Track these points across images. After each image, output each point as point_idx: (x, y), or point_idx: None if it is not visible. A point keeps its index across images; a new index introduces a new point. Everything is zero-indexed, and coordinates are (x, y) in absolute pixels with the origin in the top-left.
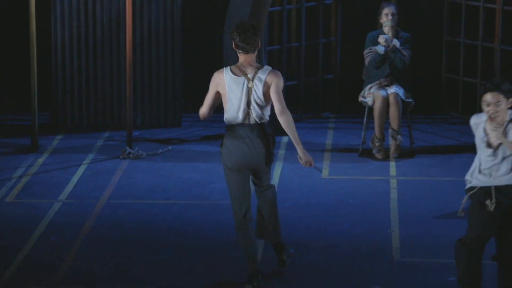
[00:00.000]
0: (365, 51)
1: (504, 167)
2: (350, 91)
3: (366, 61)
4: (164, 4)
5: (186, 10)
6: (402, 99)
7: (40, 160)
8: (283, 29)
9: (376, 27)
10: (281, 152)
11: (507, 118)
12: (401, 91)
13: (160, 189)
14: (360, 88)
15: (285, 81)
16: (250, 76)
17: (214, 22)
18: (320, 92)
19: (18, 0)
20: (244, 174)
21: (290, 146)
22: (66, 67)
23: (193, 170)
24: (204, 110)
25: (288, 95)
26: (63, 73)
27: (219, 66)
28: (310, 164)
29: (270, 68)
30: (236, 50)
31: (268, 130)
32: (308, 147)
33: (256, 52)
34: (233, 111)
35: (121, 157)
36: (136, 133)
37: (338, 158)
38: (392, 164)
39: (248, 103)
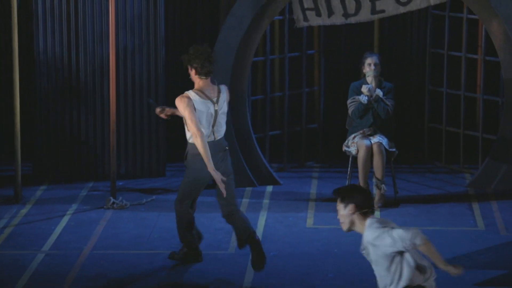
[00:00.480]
0: (348, 101)
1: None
2: (333, 140)
3: (350, 110)
4: (148, 55)
5: (169, 60)
6: (385, 149)
7: (23, 211)
8: (266, 78)
9: (359, 77)
10: (265, 201)
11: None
12: (384, 141)
13: (144, 239)
14: (343, 138)
15: (269, 130)
16: (214, 100)
17: None
18: (304, 142)
19: (1, 49)
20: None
21: (274, 196)
22: (50, 117)
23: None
24: (200, 128)
25: (272, 144)
26: (46, 123)
27: None
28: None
29: (223, 85)
30: (198, 76)
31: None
32: (292, 196)
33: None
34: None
35: (105, 207)
36: (120, 183)
37: (323, 207)
38: (377, 213)
39: (214, 124)
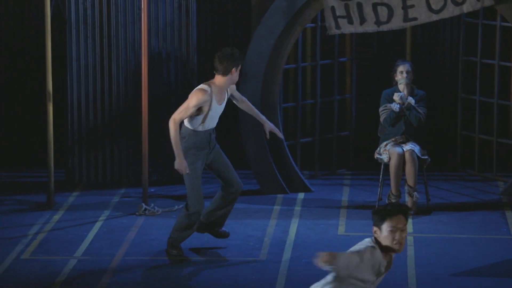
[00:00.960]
0: (380, 109)
1: None
2: (365, 148)
3: (381, 118)
4: (181, 62)
5: (201, 68)
6: (418, 156)
7: (56, 217)
8: (298, 86)
9: (391, 84)
10: (297, 208)
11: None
12: (417, 148)
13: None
14: (375, 145)
15: (300, 138)
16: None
17: None
18: (336, 149)
19: (35, 56)
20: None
21: (306, 203)
22: (82, 124)
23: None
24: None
25: (304, 152)
26: (79, 130)
27: (236, 122)
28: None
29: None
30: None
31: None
32: (324, 203)
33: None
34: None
35: (137, 213)
36: (152, 190)
37: (354, 215)
38: (409, 221)
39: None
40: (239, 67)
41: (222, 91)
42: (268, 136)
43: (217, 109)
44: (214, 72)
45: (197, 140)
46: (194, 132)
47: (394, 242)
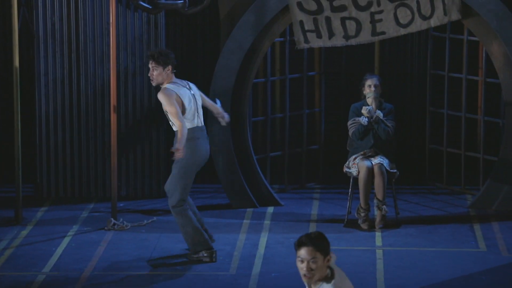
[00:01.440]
0: (349, 122)
1: None
2: (334, 161)
3: (350, 132)
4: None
5: None
6: (386, 170)
7: (24, 232)
8: (267, 100)
9: (360, 98)
10: (267, 222)
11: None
12: (385, 162)
13: (145, 260)
14: (344, 159)
15: (270, 151)
16: (188, 86)
17: None
18: (305, 163)
19: (2, 71)
20: None
21: (275, 217)
22: (51, 139)
23: (178, 240)
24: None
25: (273, 165)
26: (47, 145)
27: None
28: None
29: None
30: (172, 72)
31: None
32: (294, 217)
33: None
34: (191, 116)
35: (106, 228)
36: (121, 204)
37: (324, 228)
38: (378, 234)
39: (197, 108)
40: (164, 69)
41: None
42: (226, 121)
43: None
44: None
45: (202, 141)
46: (195, 128)
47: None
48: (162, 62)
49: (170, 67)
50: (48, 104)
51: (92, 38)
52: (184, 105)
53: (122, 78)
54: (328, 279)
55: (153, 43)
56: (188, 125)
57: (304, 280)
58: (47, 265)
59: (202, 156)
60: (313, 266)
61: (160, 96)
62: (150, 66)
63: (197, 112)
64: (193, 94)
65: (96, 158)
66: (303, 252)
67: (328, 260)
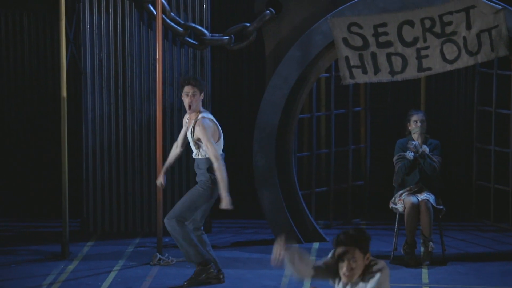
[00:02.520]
0: (395, 158)
1: None
2: (380, 197)
3: (396, 167)
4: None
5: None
6: (433, 206)
7: (71, 267)
8: (312, 135)
9: (406, 134)
10: (312, 258)
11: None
12: (431, 198)
13: None
14: (390, 195)
15: (315, 187)
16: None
17: (243, 129)
18: (350, 199)
19: (51, 106)
20: None
21: (320, 253)
22: (97, 174)
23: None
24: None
25: (318, 201)
26: (93, 180)
27: (250, 171)
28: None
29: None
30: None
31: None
32: None
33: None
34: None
35: (151, 263)
36: (167, 240)
37: None
38: (424, 271)
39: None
40: (201, 94)
41: (193, 114)
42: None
43: (187, 134)
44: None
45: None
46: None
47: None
48: (201, 87)
49: (203, 94)
50: (94, 139)
51: (138, 73)
52: (219, 134)
53: (168, 114)
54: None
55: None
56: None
57: (344, 279)
58: None
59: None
60: (353, 265)
61: (204, 126)
62: (187, 92)
63: None
64: None
65: (142, 193)
66: (340, 250)
67: (368, 259)
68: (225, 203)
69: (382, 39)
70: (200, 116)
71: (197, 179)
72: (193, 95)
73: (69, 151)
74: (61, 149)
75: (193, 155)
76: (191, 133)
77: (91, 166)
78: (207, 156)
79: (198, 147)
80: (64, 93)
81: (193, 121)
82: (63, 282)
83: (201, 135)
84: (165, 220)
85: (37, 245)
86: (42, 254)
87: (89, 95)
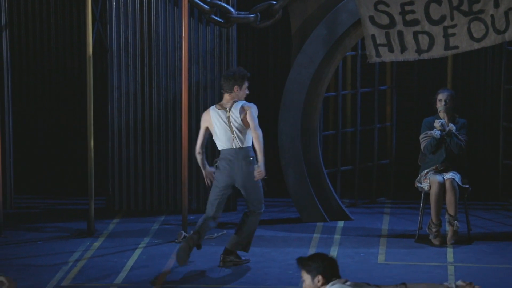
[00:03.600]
0: (421, 136)
1: None
2: (406, 176)
3: (422, 146)
4: (220, 90)
5: None
6: (459, 185)
7: (96, 244)
8: (338, 114)
9: (432, 113)
10: (337, 237)
11: None
12: (457, 177)
13: (215, 273)
14: (416, 174)
15: (340, 166)
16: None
17: (269, 108)
18: (376, 177)
19: (77, 84)
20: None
21: (345, 231)
22: (123, 152)
23: (247, 254)
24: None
25: (343, 180)
26: (119, 158)
27: (276, 150)
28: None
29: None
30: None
31: (251, 153)
32: (364, 232)
33: (232, 93)
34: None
35: (176, 241)
36: (192, 217)
37: (395, 243)
38: (450, 250)
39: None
40: (244, 86)
41: (228, 110)
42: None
43: (218, 128)
44: (221, 91)
45: (220, 157)
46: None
47: None
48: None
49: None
50: (120, 117)
51: (164, 52)
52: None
53: (193, 92)
54: None
55: (225, 57)
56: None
57: None
58: (118, 277)
59: None
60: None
61: (254, 110)
62: (246, 84)
63: None
64: None
65: (167, 171)
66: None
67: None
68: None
69: (409, 17)
70: (243, 103)
71: (249, 168)
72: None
73: (95, 129)
74: (87, 127)
75: (238, 145)
76: (240, 121)
77: (117, 144)
78: (252, 142)
79: (245, 134)
80: (90, 71)
81: (237, 109)
82: (89, 259)
83: (253, 117)
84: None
85: (64, 222)
86: (68, 231)
87: (115, 73)
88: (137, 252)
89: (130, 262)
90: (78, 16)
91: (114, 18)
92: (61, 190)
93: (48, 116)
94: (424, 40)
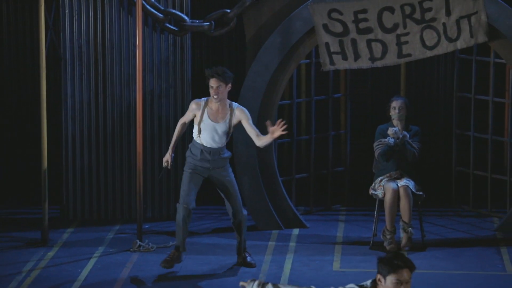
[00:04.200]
0: (375, 144)
1: None
2: (360, 183)
3: (376, 153)
4: (175, 98)
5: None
6: (412, 192)
7: (50, 254)
8: (293, 122)
9: (386, 120)
10: (292, 244)
11: None
12: (411, 184)
13: (170, 282)
14: (370, 181)
15: (295, 173)
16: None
17: None
18: (330, 185)
19: (30, 93)
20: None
21: (301, 239)
22: (77, 161)
23: (203, 262)
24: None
25: (298, 187)
26: (73, 167)
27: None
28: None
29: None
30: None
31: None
32: (319, 239)
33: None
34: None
35: (131, 250)
36: (146, 226)
37: (349, 250)
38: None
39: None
40: (226, 86)
41: (218, 108)
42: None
43: (211, 125)
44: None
45: (194, 150)
46: (194, 141)
47: None
48: (225, 79)
49: (230, 86)
50: (74, 126)
51: (118, 60)
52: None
53: (148, 100)
54: None
55: (179, 65)
56: None
57: None
58: (73, 287)
59: None
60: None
61: (246, 111)
62: (212, 85)
63: None
64: None
65: (121, 180)
66: (405, 274)
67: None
68: (276, 130)
69: (362, 25)
70: (234, 105)
71: (220, 164)
72: (218, 88)
73: (48, 138)
74: (41, 136)
75: (217, 145)
76: (228, 124)
77: (71, 152)
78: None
79: (228, 137)
80: (43, 79)
81: (227, 113)
82: (43, 268)
83: (248, 117)
84: (243, 218)
85: (17, 231)
86: (21, 241)
87: (69, 82)
88: (92, 261)
89: (85, 272)
90: (31, 23)
91: (67, 26)
92: (15, 199)
93: (2, 125)
94: (377, 48)
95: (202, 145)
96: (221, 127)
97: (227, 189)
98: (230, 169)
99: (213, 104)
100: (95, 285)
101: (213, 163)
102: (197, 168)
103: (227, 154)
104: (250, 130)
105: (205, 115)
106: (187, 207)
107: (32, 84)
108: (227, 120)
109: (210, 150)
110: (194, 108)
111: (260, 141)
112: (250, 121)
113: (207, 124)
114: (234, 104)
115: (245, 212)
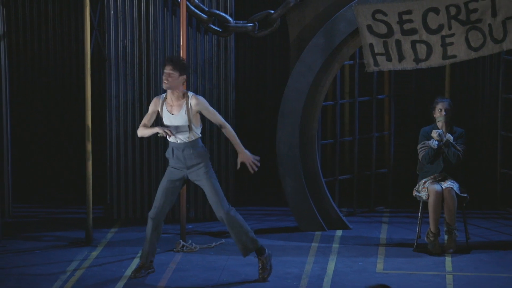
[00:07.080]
0: (419, 146)
1: None
2: (404, 185)
3: (420, 155)
4: (218, 99)
5: (239, 104)
6: (457, 194)
7: (94, 254)
8: (336, 123)
9: (430, 122)
10: (335, 246)
11: None
12: (455, 186)
13: (213, 282)
14: (414, 183)
15: (338, 174)
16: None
17: (267, 116)
18: (374, 186)
19: (75, 93)
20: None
21: (344, 240)
22: (121, 160)
23: (246, 263)
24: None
25: (341, 189)
26: (117, 166)
27: (274, 159)
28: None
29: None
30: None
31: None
32: (362, 241)
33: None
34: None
35: (174, 250)
36: (190, 226)
37: (393, 252)
38: (448, 259)
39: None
40: (180, 76)
41: (174, 99)
42: (238, 167)
43: (171, 118)
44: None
45: (168, 151)
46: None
47: None
48: (180, 68)
49: (185, 77)
50: (119, 126)
51: (162, 61)
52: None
53: None
54: None
55: (223, 66)
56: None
57: None
58: (116, 286)
59: None
60: None
61: (201, 99)
62: (166, 69)
63: None
64: None
65: None
66: None
67: None
68: (246, 156)
69: (406, 26)
70: (190, 94)
71: (194, 161)
72: (169, 74)
73: (93, 138)
74: (85, 136)
75: (184, 139)
76: (185, 114)
77: (115, 152)
78: (199, 134)
79: (190, 129)
80: (88, 80)
81: (183, 103)
82: (86, 268)
83: (205, 105)
84: (225, 216)
85: (62, 231)
86: (66, 240)
87: (113, 82)
88: (135, 261)
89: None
90: (76, 24)
91: (112, 27)
92: (60, 199)
93: (47, 125)
94: (422, 49)
95: (171, 142)
96: (179, 119)
97: (204, 187)
98: (210, 167)
99: (169, 97)
100: (138, 284)
101: (186, 161)
102: (174, 171)
103: (201, 149)
104: (213, 118)
105: (164, 108)
106: (154, 219)
107: (77, 84)
108: (184, 111)
109: (178, 146)
110: (155, 102)
111: (226, 132)
112: (210, 109)
113: (167, 117)
114: (190, 93)
115: (228, 209)
